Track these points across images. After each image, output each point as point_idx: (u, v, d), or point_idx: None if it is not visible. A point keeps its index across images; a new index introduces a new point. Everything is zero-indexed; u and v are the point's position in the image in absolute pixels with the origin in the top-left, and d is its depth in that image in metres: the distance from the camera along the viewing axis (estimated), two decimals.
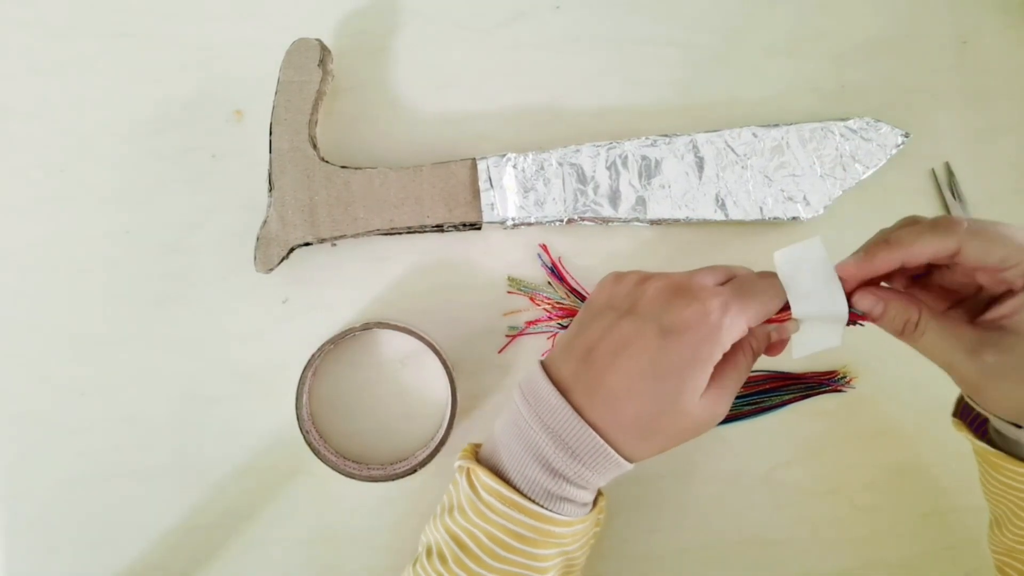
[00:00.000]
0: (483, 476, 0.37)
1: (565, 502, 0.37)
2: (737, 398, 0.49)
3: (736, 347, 0.37)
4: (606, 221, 0.51)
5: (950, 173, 0.55)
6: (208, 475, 0.50)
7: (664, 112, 0.54)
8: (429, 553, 0.38)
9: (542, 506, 0.36)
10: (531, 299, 0.52)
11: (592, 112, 0.54)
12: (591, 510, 0.39)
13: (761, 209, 0.52)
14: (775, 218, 0.52)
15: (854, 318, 0.37)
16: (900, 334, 0.36)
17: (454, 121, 0.53)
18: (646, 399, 0.35)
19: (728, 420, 0.52)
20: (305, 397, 0.48)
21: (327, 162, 0.49)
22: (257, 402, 0.51)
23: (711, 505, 0.52)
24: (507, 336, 0.52)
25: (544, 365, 0.38)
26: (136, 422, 0.50)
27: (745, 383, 0.39)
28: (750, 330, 0.37)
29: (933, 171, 0.55)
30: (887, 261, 0.35)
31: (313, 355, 0.48)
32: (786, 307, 0.37)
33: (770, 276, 0.38)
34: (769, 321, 0.38)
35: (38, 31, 0.52)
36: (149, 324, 0.51)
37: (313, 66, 0.49)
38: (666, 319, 0.35)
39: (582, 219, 0.51)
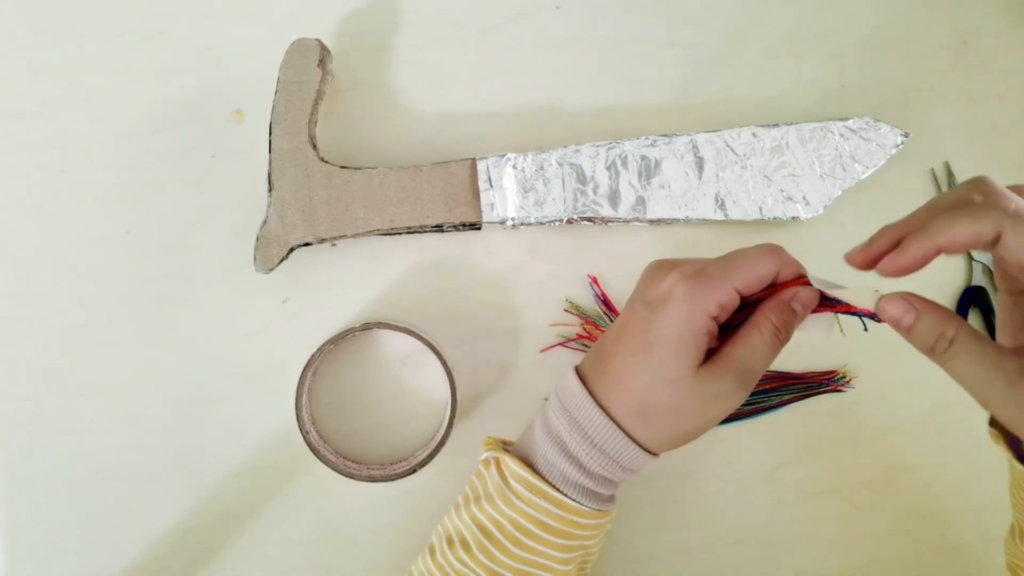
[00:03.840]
0: (512, 464, 0.38)
1: (586, 493, 0.38)
2: None
3: (747, 322, 0.35)
4: (606, 221, 0.51)
5: (949, 173, 0.55)
6: (208, 475, 0.50)
7: (664, 112, 0.54)
8: (451, 542, 0.39)
9: (565, 494, 0.37)
10: (584, 321, 0.53)
11: (592, 112, 0.54)
12: (612, 507, 0.40)
13: (761, 209, 0.52)
14: (775, 218, 0.52)
15: (867, 314, 0.34)
16: (930, 351, 0.31)
17: (454, 121, 0.53)
18: (639, 372, 0.35)
19: (728, 420, 0.52)
20: (305, 397, 0.48)
21: (327, 162, 0.49)
22: (257, 402, 0.51)
23: (711, 505, 0.52)
24: (559, 337, 0.52)
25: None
26: (136, 422, 0.50)
27: None
28: (764, 305, 0.35)
29: (933, 171, 0.55)
30: (917, 254, 0.29)
31: (313, 355, 0.48)
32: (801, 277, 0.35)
33: (764, 245, 0.35)
34: (783, 287, 0.35)
35: (38, 31, 0.52)
36: (149, 324, 0.51)
37: (313, 66, 0.49)
38: (649, 294, 0.36)
39: (582, 219, 0.51)
